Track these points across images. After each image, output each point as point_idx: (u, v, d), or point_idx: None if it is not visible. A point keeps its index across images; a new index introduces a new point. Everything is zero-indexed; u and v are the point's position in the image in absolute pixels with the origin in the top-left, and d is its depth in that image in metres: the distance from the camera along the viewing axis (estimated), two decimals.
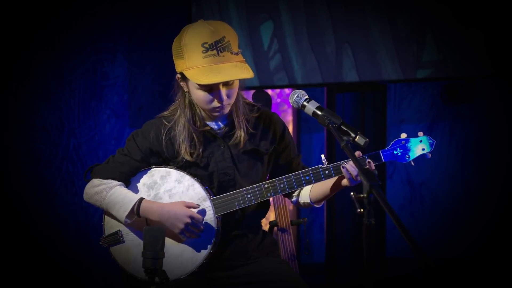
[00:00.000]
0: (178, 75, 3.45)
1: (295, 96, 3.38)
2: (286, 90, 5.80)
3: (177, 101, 3.51)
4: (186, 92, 3.46)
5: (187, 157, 3.45)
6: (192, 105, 3.48)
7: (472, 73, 5.55)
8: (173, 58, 3.44)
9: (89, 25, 5.32)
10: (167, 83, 5.42)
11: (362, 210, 2.69)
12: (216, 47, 3.34)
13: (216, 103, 3.39)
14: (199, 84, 3.36)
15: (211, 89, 3.37)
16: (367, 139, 3.22)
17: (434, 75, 5.48)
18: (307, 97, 3.37)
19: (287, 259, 4.04)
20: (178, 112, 3.48)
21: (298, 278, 3.53)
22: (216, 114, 3.44)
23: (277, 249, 3.70)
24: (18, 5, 5.14)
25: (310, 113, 3.33)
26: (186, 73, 3.36)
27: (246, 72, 3.37)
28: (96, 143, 5.38)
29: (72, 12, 5.27)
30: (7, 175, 5.25)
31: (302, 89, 3.41)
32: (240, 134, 3.47)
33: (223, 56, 3.34)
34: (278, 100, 5.88)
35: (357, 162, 2.96)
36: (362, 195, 2.69)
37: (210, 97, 3.38)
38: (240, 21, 5.17)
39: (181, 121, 3.47)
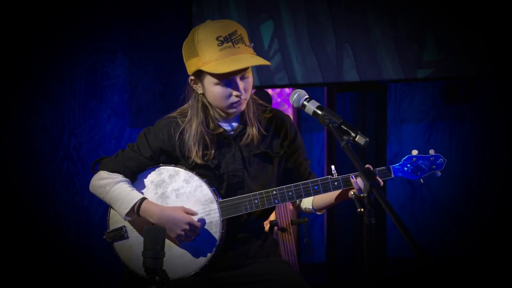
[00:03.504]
0: (191, 77, 3.44)
1: (296, 96, 3.38)
2: (287, 90, 5.81)
3: (188, 104, 3.50)
4: (200, 94, 3.45)
5: (198, 160, 3.44)
6: (205, 107, 3.47)
7: (473, 73, 5.56)
8: (185, 60, 3.43)
9: (89, 25, 5.32)
10: (168, 83, 5.46)
11: (362, 209, 2.69)
12: (231, 39, 3.35)
13: (234, 98, 3.38)
14: (218, 76, 3.35)
15: (229, 83, 3.37)
16: (368, 139, 3.22)
17: (434, 75, 5.48)
18: (307, 96, 3.37)
19: (288, 259, 4.04)
20: (190, 115, 3.47)
21: (299, 278, 3.53)
22: (233, 110, 3.42)
23: (278, 249, 3.70)
24: (19, 5, 5.14)
25: (311, 112, 3.33)
26: (204, 68, 3.34)
27: (263, 61, 3.39)
28: (97, 143, 5.38)
29: (72, 12, 5.27)
30: (7, 175, 5.25)
31: (302, 89, 3.41)
32: (253, 132, 3.46)
33: (238, 47, 3.35)
34: (279, 100, 5.88)
35: (357, 162, 2.96)
36: (362, 195, 2.69)
37: (229, 91, 3.37)
38: (240, 20, 5.17)
39: (193, 124, 3.45)
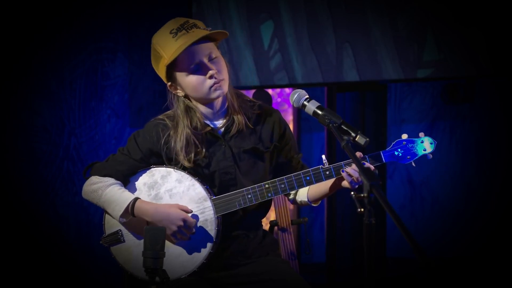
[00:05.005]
0: (168, 83, 3.48)
1: (296, 96, 3.38)
2: (287, 90, 5.81)
3: (173, 110, 3.52)
4: (181, 96, 3.48)
5: (186, 164, 3.46)
6: (189, 109, 3.49)
7: (473, 73, 5.56)
8: (157, 71, 3.49)
9: (89, 25, 5.32)
10: None
11: (362, 209, 2.69)
12: (184, 28, 3.40)
13: (210, 81, 3.40)
14: (183, 61, 3.37)
15: (198, 68, 3.40)
16: (368, 139, 3.22)
17: (434, 75, 5.48)
18: (307, 96, 3.37)
19: (288, 259, 4.04)
20: (175, 120, 3.49)
21: (299, 278, 3.53)
22: (216, 94, 3.43)
23: (277, 248, 3.70)
24: (19, 5, 5.14)
25: (311, 112, 3.33)
26: (168, 61, 3.38)
27: (219, 31, 3.43)
28: (97, 143, 5.39)
29: (72, 12, 5.27)
30: (7, 175, 5.25)
31: (302, 89, 3.41)
32: (240, 120, 3.47)
33: (193, 31, 3.39)
34: (279, 100, 5.88)
35: (357, 161, 2.96)
36: (362, 195, 2.69)
37: (202, 75, 3.40)
38: (240, 20, 5.18)
39: (179, 129, 3.47)
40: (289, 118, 5.90)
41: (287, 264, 3.68)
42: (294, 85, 5.28)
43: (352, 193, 2.73)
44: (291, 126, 5.89)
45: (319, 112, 3.31)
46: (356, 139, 3.21)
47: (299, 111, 5.86)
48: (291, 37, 5.27)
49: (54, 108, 5.30)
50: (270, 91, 5.46)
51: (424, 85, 6.09)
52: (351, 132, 3.22)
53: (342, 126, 3.25)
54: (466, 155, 6.19)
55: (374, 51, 5.37)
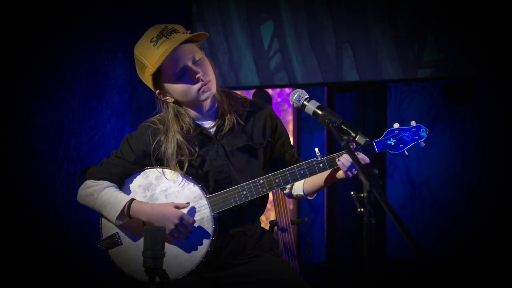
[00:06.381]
0: (157, 91, 3.48)
1: (296, 96, 3.38)
2: (287, 90, 5.81)
3: (162, 113, 3.52)
4: (170, 102, 3.47)
5: (178, 171, 3.46)
6: (179, 114, 3.49)
7: (473, 72, 5.56)
8: (143, 80, 3.50)
9: (89, 25, 5.32)
10: None
11: (362, 209, 2.69)
12: (163, 35, 3.40)
13: (197, 84, 3.40)
14: (168, 68, 3.38)
15: (184, 72, 3.40)
16: (368, 139, 3.23)
17: (434, 75, 5.48)
18: (307, 96, 3.38)
19: (288, 259, 4.04)
20: (166, 126, 3.49)
21: (298, 278, 3.53)
22: (205, 95, 3.43)
23: (276, 247, 3.70)
24: (19, 5, 5.14)
25: (311, 112, 3.34)
26: (153, 70, 3.38)
27: (198, 33, 3.43)
28: (97, 143, 5.39)
29: (72, 12, 5.27)
30: (7, 175, 5.25)
31: (302, 89, 3.41)
32: (230, 118, 3.47)
33: (173, 37, 3.39)
34: (279, 100, 5.88)
35: (357, 161, 2.96)
36: (362, 195, 2.69)
37: (189, 79, 3.41)
38: (240, 20, 5.18)
39: (170, 135, 3.47)
40: (289, 118, 5.90)
41: (287, 264, 3.68)
42: (294, 85, 5.28)
43: (352, 193, 2.73)
44: (291, 126, 5.90)
45: (319, 112, 3.31)
46: (356, 139, 3.22)
47: (299, 111, 5.86)
48: (291, 37, 5.27)
49: (54, 108, 5.30)
50: (270, 91, 5.46)
51: (424, 85, 6.09)
52: (351, 132, 3.23)
53: (342, 126, 3.25)
54: (466, 155, 6.19)
55: (374, 51, 5.37)
